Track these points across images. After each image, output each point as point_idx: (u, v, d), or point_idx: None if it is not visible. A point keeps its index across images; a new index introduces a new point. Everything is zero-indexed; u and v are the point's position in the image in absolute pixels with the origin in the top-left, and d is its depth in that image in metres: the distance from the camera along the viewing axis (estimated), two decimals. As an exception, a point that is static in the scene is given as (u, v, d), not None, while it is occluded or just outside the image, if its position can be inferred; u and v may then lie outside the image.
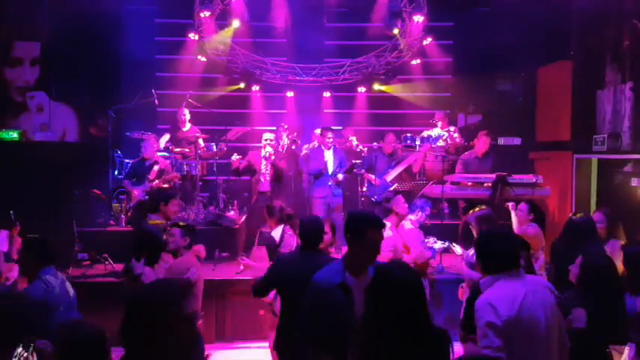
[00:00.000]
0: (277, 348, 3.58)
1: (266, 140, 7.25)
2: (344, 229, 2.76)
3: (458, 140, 7.90)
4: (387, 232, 4.75)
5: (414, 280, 2.19)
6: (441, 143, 7.64)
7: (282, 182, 6.96)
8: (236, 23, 8.11)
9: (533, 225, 4.98)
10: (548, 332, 2.41)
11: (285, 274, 3.42)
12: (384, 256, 4.61)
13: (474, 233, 4.26)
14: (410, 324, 2.07)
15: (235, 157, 7.26)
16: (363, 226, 2.69)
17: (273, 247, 4.47)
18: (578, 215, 4.20)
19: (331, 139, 7.05)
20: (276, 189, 7.05)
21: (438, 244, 5.24)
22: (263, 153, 7.17)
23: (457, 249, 5.26)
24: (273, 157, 7.07)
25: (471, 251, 4.35)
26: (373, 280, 2.21)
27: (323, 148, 7.12)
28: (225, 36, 8.33)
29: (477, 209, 4.39)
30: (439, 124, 8.15)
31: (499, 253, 2.55)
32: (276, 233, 4.57)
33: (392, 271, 2.20)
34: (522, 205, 5.12)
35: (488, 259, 2.60)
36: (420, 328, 2.09)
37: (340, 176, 6.99)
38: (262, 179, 7.12)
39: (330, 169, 7.00)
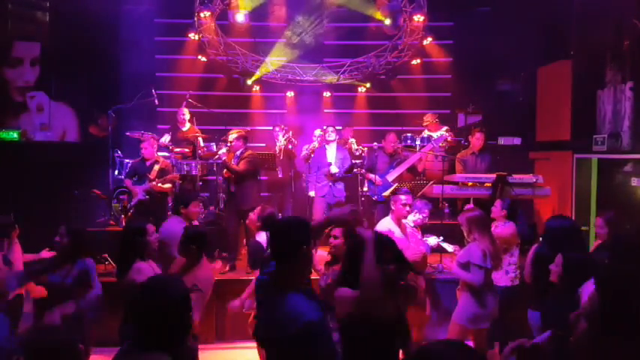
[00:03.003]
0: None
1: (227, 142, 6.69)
2: (287, 239, 2.32)
3: (450, 139, 7.85)
4: (392, 228, 4.71)
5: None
6: (442, 144, 7.63)
7: (243, 184, 6.32)
8: (240, 17, 8.04)
9: (509, 223, 4.97)
10: None
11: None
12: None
13: (465, 234, 4.27)
14: None
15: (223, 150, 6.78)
16: (306, 239, 2.33)
17: (261, 253, 4.33)
18: (555, 219, 4.02)
19: (331, 133, 7.02)
20: (240, 189, 6.44)
21: (432, 240, 5.23)
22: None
23: (447, 247, 5.25)
24: (224, 159, 6.53)
25: (461, 251, 4.36)
26: None
27: (325, 145, 7.12)
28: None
29: (468, 210, 4.37)
30: (429, 125, 8.12)
31: None
32: (262, 239, 4.53)
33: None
34: (497, 202, 5.12)
35: None
36: None
37: (334, 169, 6.85)
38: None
39: (332, 169, 6.96)
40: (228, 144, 6.59)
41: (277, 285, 2.29)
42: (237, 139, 6.43)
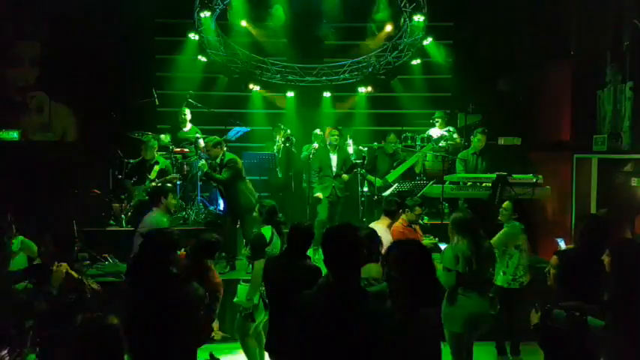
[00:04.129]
0: (268, 348, 3.71)
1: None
2: (360, 249, 2.38)
3: (457, 141, 7.89)
4: (384, 235, 4.73)
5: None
6: (442, 144, 7.64)
7: (232, 188, 6.26)
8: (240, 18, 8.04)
9: (512, 223, 4.97)
10: None
11: (273, 275, 3.68)
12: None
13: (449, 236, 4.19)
14: None
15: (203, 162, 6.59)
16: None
17: (262, 245, 4.45)
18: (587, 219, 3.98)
19: (335, 138, 7.09)
20: (230, 194, 6.37)
21: (427, 240, 5.23)
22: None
23: (442, 247, 5.24)
24: (205, 170, 6.38)
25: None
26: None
27: (328, 148, 7.13)
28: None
29: (456, 213, 4.35)
30: (437, 123, 8.14)
31: None
32: (266, 232, 4.57)
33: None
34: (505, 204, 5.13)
35: None
36: None
37: (346, 177, 7.00)
38: None
39: (335, 170, 7.00)
40: (206, 152, 6.48)
41: (353, 289, 2.34)
42: (214, 146, 6.30)
